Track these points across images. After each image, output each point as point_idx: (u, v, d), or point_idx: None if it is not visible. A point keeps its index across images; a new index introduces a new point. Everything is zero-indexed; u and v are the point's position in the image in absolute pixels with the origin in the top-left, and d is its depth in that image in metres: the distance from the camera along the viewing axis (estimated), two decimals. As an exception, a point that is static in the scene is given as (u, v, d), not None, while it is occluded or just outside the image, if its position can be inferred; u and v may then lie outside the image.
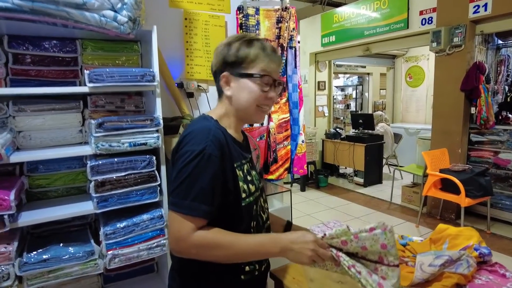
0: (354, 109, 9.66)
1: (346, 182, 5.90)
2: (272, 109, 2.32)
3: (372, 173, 5.57)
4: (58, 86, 1.57)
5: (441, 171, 3.73)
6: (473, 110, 3.95)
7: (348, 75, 9.69)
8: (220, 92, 1.02)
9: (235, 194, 0.94)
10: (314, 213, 4.45)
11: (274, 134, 2.31)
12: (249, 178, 0.99)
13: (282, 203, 2.36)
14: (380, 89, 9.00)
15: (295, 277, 1.30)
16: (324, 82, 6.25)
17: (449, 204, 4.01)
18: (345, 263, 0.87)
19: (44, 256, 1.40)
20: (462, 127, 4.00)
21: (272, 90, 0.98)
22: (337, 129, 6.02)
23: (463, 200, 3.42)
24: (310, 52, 6.05)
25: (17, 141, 1.54)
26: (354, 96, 9.82)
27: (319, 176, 5.62)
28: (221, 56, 0.98)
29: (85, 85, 1.50)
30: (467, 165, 3.80)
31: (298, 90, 2.34)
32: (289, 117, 2.38)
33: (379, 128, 5.91)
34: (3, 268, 1.32)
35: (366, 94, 9.35)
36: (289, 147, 2.39)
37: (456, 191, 3.46)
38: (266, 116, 2.27)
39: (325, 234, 0.91)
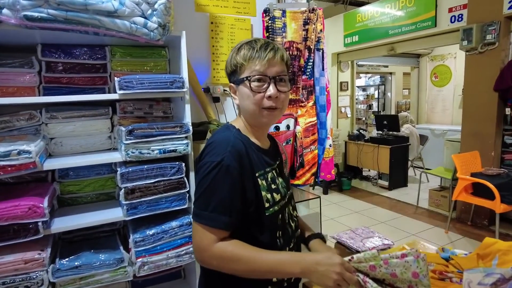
0: (376, 110, 9.46)
1: (370, 185, 5.76)
2: (299, 112, 2.27)
3: (397, 176, 5.41)
4: (88, 92, 1.59)
5: (473, 175, 3.57)
6: (507, 111, 3.76)
7: (369, 75, 9.50)
8: None
9: (257, 204, 0.92)
10: (338, 217, 4.36)
11: (301, 138, 2.26)
12: (273, 186, 0.97)
13: (308, 209, 2.31)
14: (403, 89, 8.76)
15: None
16: (347, 82, 6.14)
17: (481, 209, 3.83)
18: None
19: (76, 263, 1.41)
20: (495, 129, 3.81)
21: (272, 86, 0.93)
22: (361, 131, 5.89)
23: (498, 206, 3.25)
24: (332, 53, 5.94)
25: (49, 147, 1.56)
26: (376, 96, 9.62)
27: (342, 179, 5.51)
28: (226, 68, 1.01)
29: (114, 91, 1.51)
30: (502, 169, 3.62)
31: (326, 93, 2.28)
32: (316, 121, 2.32)
33: (404, 129, 5.74)
34: (37, 274, 1.33)
35: (389, 94, 9.13)
36: (316, 151, 2.33)
37: (490, 196, 3.30)
38: (293, 120, 2.23)
39: (352, 257, 0.86)
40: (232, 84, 1.00)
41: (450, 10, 4.17)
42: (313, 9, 2.18)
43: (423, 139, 5.90)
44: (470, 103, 4.05)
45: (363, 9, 5.32)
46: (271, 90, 0.93)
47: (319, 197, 2.13)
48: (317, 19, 2.19)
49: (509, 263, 1.13)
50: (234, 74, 0.98)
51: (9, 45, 1.49)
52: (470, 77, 4.03)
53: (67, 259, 1.42)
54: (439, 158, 5.37)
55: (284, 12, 2.17)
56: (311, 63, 2.22)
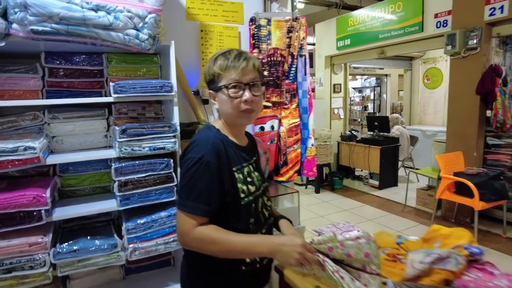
0: (372, 111, 9.62)
1: (362, 184, 5.93)
2: (283, 114, 2.44)
3: (388, 176, 5.58)
4: (86, 95, 1.76)
5: (456, 174, 3.74)
6: (489, 113, 3.92)
7: (366, 77, 9.67)
8: None
9: (234, 194, 1.05)
10: (327, 215, 4.53)
11: (285, 138, 2.43)
12: (249, 179, 1.11)
13: (292, 203, 2.48)
14: (399, 91, 8.92)
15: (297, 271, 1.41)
16: (340, 84, 6.31)
17: (464, 208, 3.99)
18: (330, 268, 0.94)
19: (74, 247, 1.58)
20: (477, 130, 3.98)
21: (247, 92, 1.06)
22: (353, 132, 6.06)
23: (477, 204, 3.42)
24: (325, 55, 6.12)
25: (51, 145, 1.74)
26: (372, 97, 9.79)
27: (334, 178, 5.68)
28: (205, 77, 1.14)
29: (110, 95, 1.68)
30: (482, 169, 3.79)
31: (308, 96, 2.44)
32: (299, 122, 2.49)
33: (395, 130, 5.90)
34: (40, 256, 1.50)
35: (384, 95, 9.30)
36: (299, 150, 2.50)
37: (470, 195, 3.46)
38: (277, 121, 2.40)
39: (313, 240, 0.99)
40: (211, 92, 1.12)
41: (436, 16, 4.34)
42: (296, 18, 2.35)
43: (413, 140, 6.07)
44: (454, 105, 4.22)
45: (354, 13, 5.49)
46: (247, 95, 1.06)
47: (298, 191, 2.29)
48: (300, 27, 2.36)
49: (448, 245, 1.30)
50: (212, 82, 1.10)
51: (16, 53, 1.66)
52: (454, 80, 4.20)
53: (66, 244, 1.59)
54: (429, 159, 5.53)
55: (269, 20, 2.34)
56: (294, 68, 2.39)
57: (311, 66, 6.65)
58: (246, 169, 1.12)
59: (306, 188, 5.76)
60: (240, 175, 1.08)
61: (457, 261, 1.22)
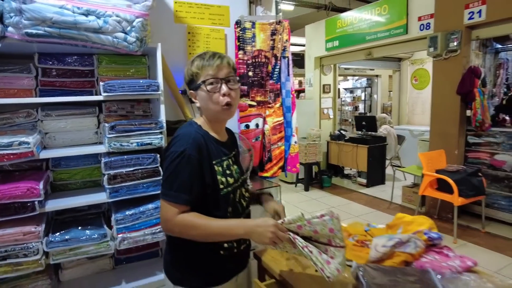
0: (363, 111, 9.79)
1: (350, 182, 6.07)
2: (267, 113, 2.56)
3: (375, 174, 5.73)
4: (78, 94, 1.86)
5: (437, 171, 3.88)
6: (468, 112, 4.07)
7: (357, 77, 9.83)
8: None
9: (213, 185, 1.15)
10: (315, 212, 4.63)
11: (269, 135, 2.55)
12: (228, 172, 1.20)
13: (278, 198, 2.60)
14: (389, 91, 9.09)
15: (274, 257, 1.53)
16: (329, 85, 6.44)
17: (446, 204, 4.13)
18: (300, 244, 1.06)
19: (66, 237, 1.69)
20: (458, 129, 4.13)
21: (224, 85, 1.15)
22: (341, 131, 6.20)
23: (456, 199, 3.57)
24: (315, 56, 6.25)
25: (44, 141, 1.84)
26: (362, 98, 9.95)
27: (323, 176, 5.82)
28: (185, 79, 1.24)
29: (100, 94, 1.79)
30: (461, 166, 3.94)
31: (291, 96, 2.57)
32: (283, 120, 2.61)
33: (382, 130, 6.06)
34: (33, 245, 1.61)
35: (375, 96, 9.46)
36: (283, 147, 2.62)
37: (451, 191, 3.61)
38: (262, 119, 2.52)
39: (284, 220, 1.10)
40: (191, 91, 1.21)
41: (420, 18, 4.48)
42: (279, 22, 2.47)
43: (400, 139, 6.22)
44: (437, 105, 4.38)
45: (343, 15, 5.63)
46: (224, 88, 1.15)
47: (279, 185, 2.41)
48: (283, 30, 2.48)
49: (410, 231, 1.42)
50: (192, 82, 1.19)
51: (11, 53, 1.76)
52: (437, 81, 4.36)
53: (58, 233, 1.70)
54: (416, 157, 5.66)
55: (253, 23, 2.46)
56: (278, 69, 2.51)
57: (302, 66, 6.79)
58: (225, 163, 1.22)
59: (296, 186, 5.89)
60: (220, 168, 1.18)
61: (416, 244, 1.35)
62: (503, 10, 3.55)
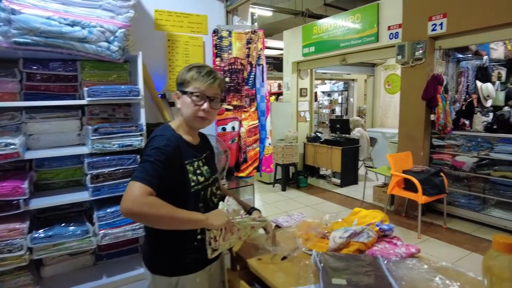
0: (340, 114, 10.12)
1: (325, 182, 6.33)
2: (243, 116, 2.72)
3: (348, 174, 6.00)
4: (61, 98, 1.95)
5: (404, 172, 4.15)
6: (432, 117, 4.38)
7: (334, 81, 10.16)
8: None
9: (184, 183, 1.28)
10: (291, 210, 4.85)
11: (245, 138, 2.71)
12: (198, 171, 1.34)
13: (252, 196, 2.77)
14: (365, 94, 9.45)
15: (244, 249, 1.67)
16: (306, 89, 6.68)
17: (413, 203, 4.41)
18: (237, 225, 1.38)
19: (50, 233, 1.78)
20: (423, 132, 4.44)
21: (207, 103, 1.30)
22: (317, 133, 6.44)
23: (420, 198, 3.84)
24: (292, 61, 6.48)
25: (28, 142, 1.92)
26: (340, 101, 10.29)
27: (299, 177, 6.04)
28: (176, 79, 1.37)
29: (83, 98, 1.89)
30: (425, 167, 4.24)
31: (265, 101, 2.74)
32: (258, 124, 2.77)
33: (356, 132, 6.34)
34: (18, 241, 1.69)
35: (351, 99, 9.81)
36: (257, 149, 2.79)
37: (416, 190, 3.88)
38: (238, 122, 2.67)
39: (234, 218, 1.37)
40: (177, 92, 1.34)
41: (389, 28, 4.78)
42: (254, 31, 2.64)
43: (373, 141, 6.53)
44: (405, 109, 4.68)
45: (319, 22, 5.88)
46: (205, 106, 1.30)
47: (252, 184, 2.58)
48: (258, 39, 2.65)
49: (364, 223, 1.62)
50: (181, 85, 1.32)
51: (-4, 58, 1.84)
52: (404, 87, 4.66)
53: (42, 230, 1.79)
54: (387, 158, 5.98)
55: (230, 32, 2.61)
56: (253, 76, 2.68)
57: (281, 70, 6.99)
58: (196, 163, 1.35)
59: (273, 186, 6.08)
60: (191, 168, 1.32)
61: (368, 235, 1.54)
62: (462, 23, 3.87)
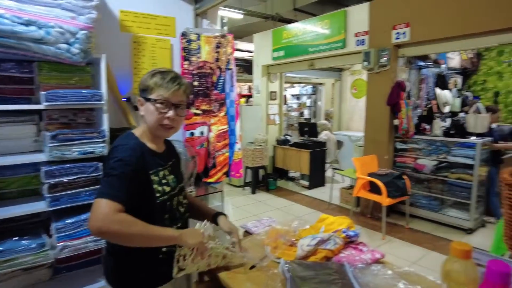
0: (308, 117, 10.29)
1: (294, 185, 6.40)
2: (212, 121, 2.68)
3: (316, 177, 6.11)
4: (16, 101, 1.82)
5: (369, 174, 4.29)
6: (396, 121, 4.56)
7: (303, 84, 10.31)
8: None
9: (149, 193, 1.23)
10: (260, 213, 4.86)
11: (214, 143, 2.67)
12: (164, 181, 1.29)
13: (221, 202, 2.73)
14: (332, 98, 9.67)
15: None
16: (276, 92, 6.73)
17: (378, 205, 4.57)
18: (213, 246, 1.32)
19: (0, 248, 1.65)
20: (388, 136, 4.61)
21: (172, 111, 1.23)
22: (287, 136, 6.51)
23: (384, 200, 3.98)
24: (262, 65, 6.50)
25: (-23, 149, 1.78)
26: (308, 104, 10.46)
27: (269, 179, 6.06)
28: (139, 85, 1.30)
29: (40, 101, 1.78)
30: (389, 170, 4.40)
31: (235, 106, 2.72)
32: (227, 128, 2.75)
33: (323, 135, 6.47)
34: (-36, 257, 1.56)
35: (319, 102, 10.00)
36: (227, 154, 2.76)
37: (381, 192, 4.02)
38: (206, 127, 2.63)
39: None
40: (140, 98, 1.27)
41: (356, 35, 4.91)
42: (224, 35, 2.61)
43: (339, 144, 6.70)
44: (370, 114, 4.84)
45: (288, 27, 5.94)
46: (171, 113, 1.23)
47: (222, 191, 2.55)
48: (227, 44, 2.62)
49: (331, 230, 1.64)
50: (144, 91, 1.25)
51: None
52: (370, 92, 4.81)
53: (-8, 245, 1.66)
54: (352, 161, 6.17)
55: (199, 36, 2.57)
56: (222, 80, 2.65)
57: (251, 72, 7.00)
58: (161, 173, 1.29)
59: (243, 189, 6.06)
60: (156, 178, 1.26)
61: (335, 242, 1.56)
62: (424, 33, 4.06)
